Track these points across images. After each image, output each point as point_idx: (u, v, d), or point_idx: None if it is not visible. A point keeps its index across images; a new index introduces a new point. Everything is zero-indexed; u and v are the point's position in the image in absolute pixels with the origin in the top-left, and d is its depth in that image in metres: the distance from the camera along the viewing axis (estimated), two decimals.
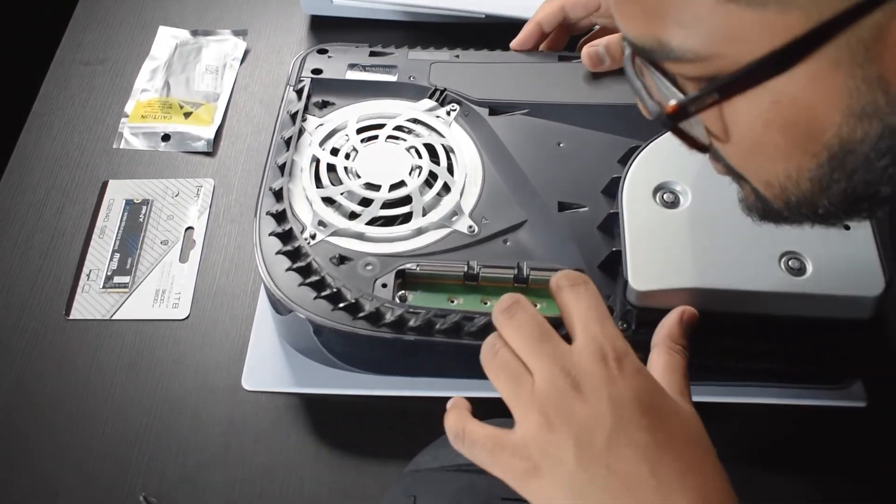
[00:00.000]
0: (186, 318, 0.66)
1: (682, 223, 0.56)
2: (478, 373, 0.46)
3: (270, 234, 0.59)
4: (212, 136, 0.77)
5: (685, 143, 0.41)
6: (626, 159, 0.62)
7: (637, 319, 0.55)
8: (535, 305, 0.58)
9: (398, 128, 0.65)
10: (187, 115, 0.78)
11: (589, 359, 0.42)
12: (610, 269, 0.57)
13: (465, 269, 0.58)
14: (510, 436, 0.43)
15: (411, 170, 0.63)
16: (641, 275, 0.54)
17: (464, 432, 0.44)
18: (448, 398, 0.53)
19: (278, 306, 0.58)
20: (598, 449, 0.40)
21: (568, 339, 0.44)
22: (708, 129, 0.39)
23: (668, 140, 0.58)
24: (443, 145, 0.64)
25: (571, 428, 0.41)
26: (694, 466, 0.41)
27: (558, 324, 0.45)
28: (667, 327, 0.49)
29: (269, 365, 0.61)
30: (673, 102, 0.37)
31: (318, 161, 0.63)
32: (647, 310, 0.54)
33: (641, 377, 0.42)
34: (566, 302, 0.45)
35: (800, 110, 0.34)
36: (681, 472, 0.40)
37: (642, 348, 0.50)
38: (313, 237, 0.59)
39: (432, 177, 0.63)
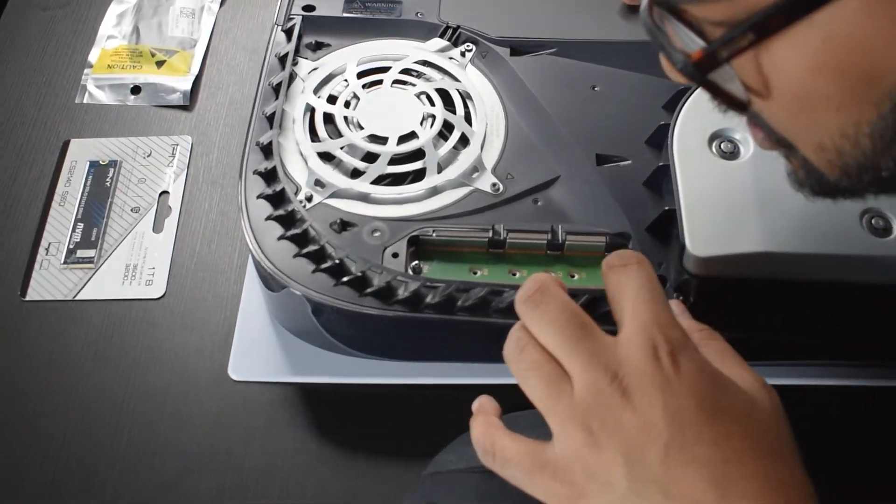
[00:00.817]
0: (162, 297, 0.57)
1: (745, 176, 0.48)
2: None
3: (259, 197, 0.50)
4: (188, 87, 0.67)
5: (720, 102, 0.34)
6: (673, 104, 0.53)
7: (696, 291, 0.46)
8: (573, 276, 0.50)
9: (405, 71, 0.56)
10: (160, 63, 0.69)
11: (638, 355, 0.34)
12: (661, 232, 0.49)
13: (490, 234, 0.49)
14: (548, 452, 0.35)
15: (423, 119, 0.53)
16: (701, 238, 0.45)
17: (494, 448, 0.36)
18: (474, 386, 0.45)
19: (269, 282, 0.50)
20: (654, 469, 0.32)
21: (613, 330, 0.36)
22: (745, 85, 0.33)
23: None
24: (458, 91, 0.55)
25: (620, 444, 0.33)
26: (772, 483, 0.33)
27: (601, 297, 0.37)
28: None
29: (260, 351, 0.52)
30: (699, 48, 0.31)
31: (312, 111, 0.54)
32: (709, 280, 0.46)
33: (703, 376, 0.34)
34: (613, 283, 0.37)
35: (855, 50, 0.29)
36: (756, 493, 0.32)
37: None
38: (309, 199, 0.50)
39: (447, 127, 0.54)
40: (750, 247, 0.45)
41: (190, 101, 0.67)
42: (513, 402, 0.38)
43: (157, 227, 0.60)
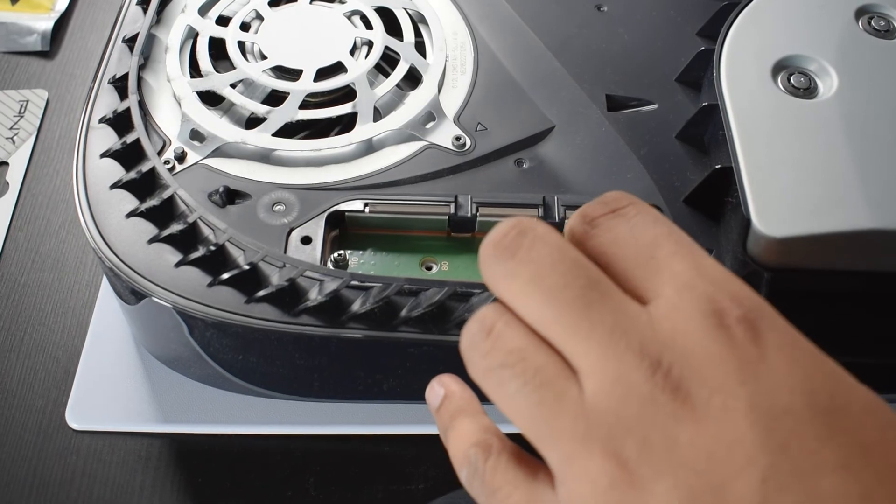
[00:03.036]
0: None
1: (830, 122, 0.32)
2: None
3: (104, 156, 0.33)
4: (49, 28, 0.50)
5: None
6: (712, 28, 0.37)
7: (768, 290, 0.30)
8: None
9: None
10: None
11: (693, 327, 0.19)
12: (707, 202, 0.33)
13: (451, 209, 0.33)
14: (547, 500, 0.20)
15: (354, 47, 0.37)
16: (776, 210, 0.30)
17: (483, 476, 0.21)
18: (425, 438, 0.30)
19: (113, 283, 0.33)
20: None
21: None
22: None
23: None
24: (406, 10, 0.39)
25: (679, 479, 0.18)
26: None
27: None
28: None
29: (113, 388, 0.36)
30: None
31: (196, 36, 0.37)
32: (789, 274, 0.30)
33: (805, 356, 0.19)
34: (607, 240, 0.21)
35: None
36: None
37: None
38: (181, 159, 0.34)
39: (389, 60, 0.37)
40: (852, 222, 0.29)
41: (51, 46, 0.50)
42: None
43: None
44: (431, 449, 0.34)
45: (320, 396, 0.35)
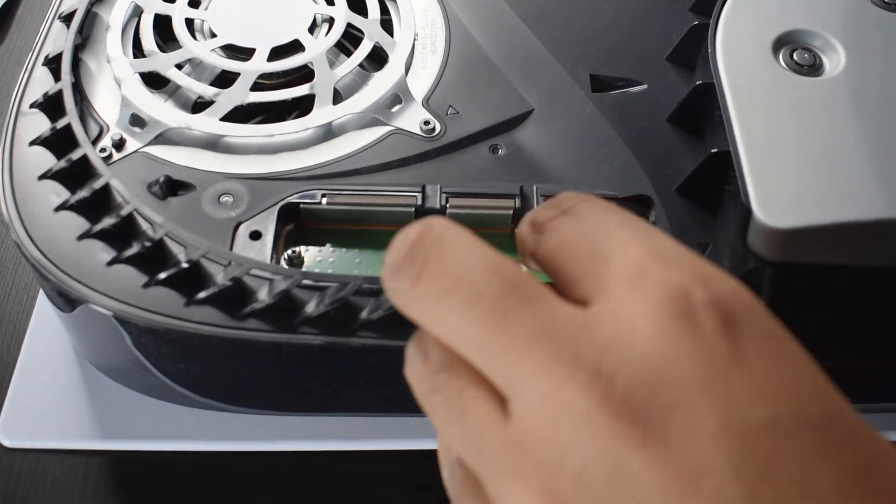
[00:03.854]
0: None
1: (838, 102, 0.29)
2: None
3: (33, 143, 0.30)
4: None
5: None
6: (706, 2, 0.34)
7: (770, 288, 0.27)
8: None
9: None
10: None
11: (642, 321, 0.15)
12: (703, 192, 0.30)
13: (418, 200, 0.29)
14: None
15: (314, 24, 0.34)
16: (779, 199, 0.26)
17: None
18: (388, 454, 0.28)
19: (45, 286, 0.29)
20: None
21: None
22: None
23: None
24: None
25: None
26: None
27: None
28: None
29: (51, 402, 0.33)
30: None
31: (140, 13, 0.34)
32: (791, 267, 0.26)
33: (786, 348, 0.16)
34: (555, 247, 0.18)
35: None
36: None
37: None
38: (119, 146, 0.30)
39: (351, 38, 0.34)
40: (864, 212, 0.26)
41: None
42: None
43: None
44: (401, 466, 0.31)
45: (276, 409, 0.31)
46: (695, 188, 0.29)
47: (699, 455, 0.14)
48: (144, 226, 0.28)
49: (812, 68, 0.30)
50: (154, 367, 0.30)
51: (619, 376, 0.14)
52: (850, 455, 0.14)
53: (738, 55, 0.30)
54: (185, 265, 0.27)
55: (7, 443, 0.32)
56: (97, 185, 0.28)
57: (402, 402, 0.30)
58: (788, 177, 0.27)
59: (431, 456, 0.30)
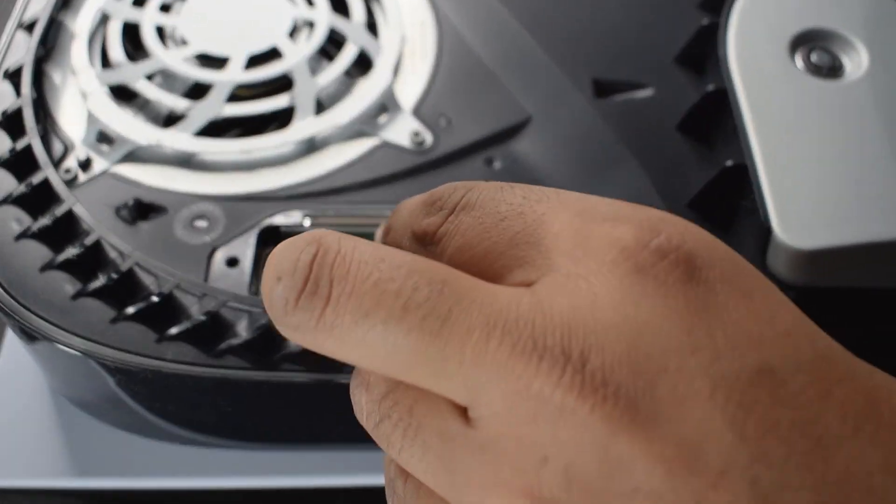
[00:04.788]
0: None
1: (861, 107, 0.27)
2: None
3: None
4: None
5: None
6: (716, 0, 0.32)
7: None
8: None
9: None
10: None
11: (598, 289, 0.13)
12: (716, 207, 0.27)
13: None
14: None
15: (293, 28, 0.31)
16: (800, 218, 0.24)
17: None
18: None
19: (10, 324, 0.27)
20: None
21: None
22: None
23: None
24: None
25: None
26: None
27: None
28: None
29: (22, 438, 0.31)
30: None
31: (107, 20, 0.32)
32: (815, 291, 0.24)
33: (757, 283, 0.13)
34: (457, 252, 0.15)
35: None
36: None
37: None
38: (85, 166, 0.28)
39: (335, 42, 0.32)
40: (894, 231, 0.24)
41: None
42: None
43: None
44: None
45: (261, 443, 0.29)
46: (707, 203, 0.27)
47: (696, 422, 0.12)
48: (113, 254, 0.26)
49: (832, 70, 0.28)
50: (129, 402, 0.28)
51: (591, 357, 0.12)
52: (851, 390, 0.12)
53: (752, 57, 0.28)
54: (155, 299, 0.25)
55: None
56: (59, 211, 0.26)
57: None
58: (811, 192, 0.24)
59: None
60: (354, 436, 0.28)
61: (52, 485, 0.30)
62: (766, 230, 0.24)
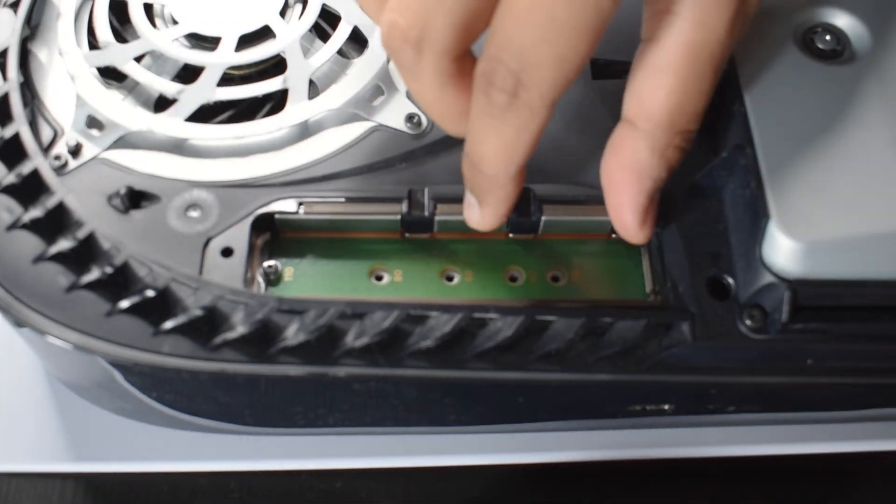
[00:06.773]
0: None
1: (866, 92, 0.26)
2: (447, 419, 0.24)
3: None
4: None
5: None
6: None
7: (790, 312, 0.24)
8: (556, 279, 0.28)
9: None
10: None
11: None
12: (712, 195, 0.27)
13: (405, 206, 0.27)
14: None
15: (284, 6, 0.31)
16: (801, 208, 0.24)
17: None
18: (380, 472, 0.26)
19: (6, 317, 0.27)
20: None
21: None
22: None
23: None
24: None
25: None
26: None
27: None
28: None
29: (18, 422, 0.31)
30: None
31: (94, 0, 0.31)
32: (820, 290, 0.24)
33: None
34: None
35: None
36: None
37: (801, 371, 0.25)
38: (75, 152, 0.28)
39: (328, 20, 0.31)
40: None
41: None
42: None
43: None
44: (392, 485, 0.30)
45: (258, 427, 0.29)
46: (703, 191, 0.27)
47: None
48: (106, 246, 0.26)
49: (836, 54, 0.27)
50: (127, 391, 0.28)
51: None
52: None
53: (751, 39, 0.27)
54: (150, 294, 0.25)
55: None
56: (50, 203, 0.26)
57: (392, 420, 0.29)
58: (812, 180, 0.24)
59: (421, 474, 0.28)
60: (350, 421, 0.28)
61: (48, 469, 0.31)
62: (765, 219, 0.24)
